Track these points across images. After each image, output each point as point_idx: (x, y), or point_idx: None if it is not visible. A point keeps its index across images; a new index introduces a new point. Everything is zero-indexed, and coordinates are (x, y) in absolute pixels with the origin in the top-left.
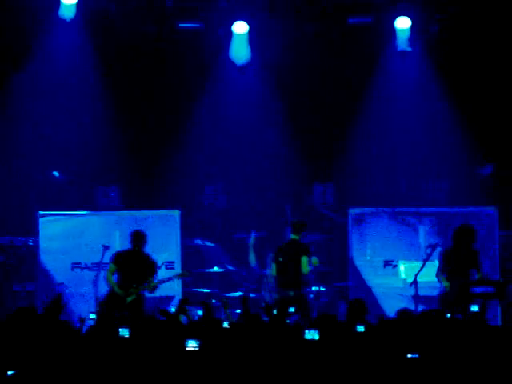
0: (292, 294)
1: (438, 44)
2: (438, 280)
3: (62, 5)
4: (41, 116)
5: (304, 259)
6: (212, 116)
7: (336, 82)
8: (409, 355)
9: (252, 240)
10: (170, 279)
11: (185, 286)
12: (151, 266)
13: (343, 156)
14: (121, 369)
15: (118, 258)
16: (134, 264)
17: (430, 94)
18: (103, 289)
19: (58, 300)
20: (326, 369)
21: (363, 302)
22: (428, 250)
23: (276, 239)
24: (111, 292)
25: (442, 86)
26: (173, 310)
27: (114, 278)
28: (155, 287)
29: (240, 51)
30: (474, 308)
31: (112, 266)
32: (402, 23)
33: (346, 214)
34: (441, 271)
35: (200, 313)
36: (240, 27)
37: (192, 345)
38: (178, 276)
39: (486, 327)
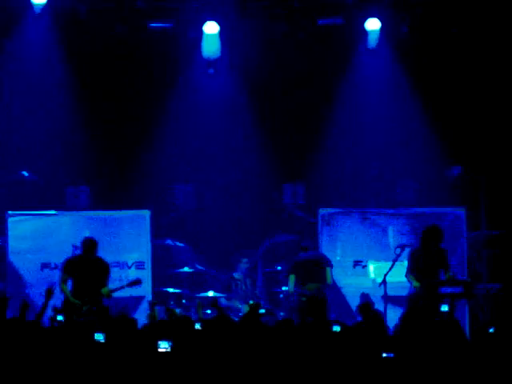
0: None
1: (407, 45)
2: (408, 280)
3: (32, 4)
4: (10, 115)
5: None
6: (182, 116)
7: (307, 82)
8: (384, 354)
9: (243, 265)
10: (122, 287)
11: (155, 287)
12: (104, 269)
13: (314, 156)
14: (95, 372)
15: (69, 265)
16: (86, 270)
17: (400, 95)
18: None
19: (23, 307)
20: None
21: (321, 300)
22: (397, 251)
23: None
24: (66, 301)
25: (411, 87)
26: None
27: (68, 287)
28: (109, 295)
29: (211, 51)
30: (445, 308)
31: (64, 275)
32: (372, 24)
33: (316, 214)
34: (410, 271)
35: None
36: (211, 27)
37: (164, 346)
38: (131, 284)
39: (456, 326)
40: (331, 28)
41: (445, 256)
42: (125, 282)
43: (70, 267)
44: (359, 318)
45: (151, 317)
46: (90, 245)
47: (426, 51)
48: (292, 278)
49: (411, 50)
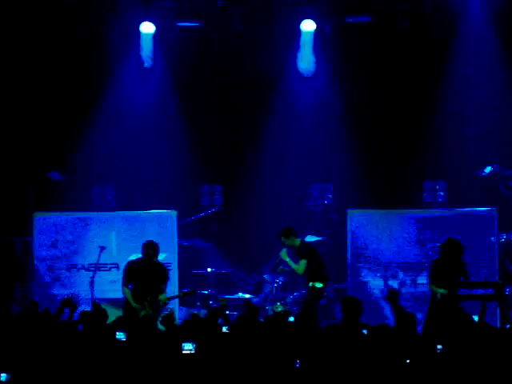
0: None
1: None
2: (432, 291)
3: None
4: (39, 113)
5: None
6: (214, 117)
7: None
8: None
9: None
10: (178, 297)
11: (181, 288)
12: (164, 275)
13: (341, 157)
14: (118, 371)
15: (130, 269)
16: (146, 274)
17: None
18: (99, 289)
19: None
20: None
21: (359, 301)
22: (428, 252)
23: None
24: (127, 304)
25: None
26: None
27: (129, 288)
28: (166, 303)
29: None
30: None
31: (125, 279)
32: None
33: (344, 215)
34: (432, 282)
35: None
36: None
37: (188, 348)
38: (187, 294)
39: (486, 328)
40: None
41: (465, 269)
42: (181, 292)
43: (132, 271)
44: (387, 321)
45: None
46: (151, 248)
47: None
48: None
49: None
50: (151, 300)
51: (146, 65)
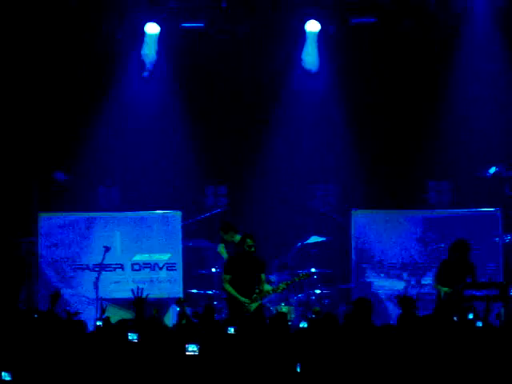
0: None
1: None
2: (436, 289)
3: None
4: (44, 113)
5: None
6: (216, 116)
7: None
8: None
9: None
10: (293, 282)
11: (186, 288)
12: (262, 267)
13: (346, 157)
14: (126, 372)
15: (229, 264)
16: (245, 268)
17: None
18: (104, 290)
19: (55, 296)
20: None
21: (368, 301)
22: (434, 253)
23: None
24: (232, 299)
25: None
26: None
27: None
28: (280, 291)
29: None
30: (470, 316)
31: (226, 277)
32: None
33: (348, 215)
34: (437, 280)
35: None
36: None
37: (192, 349)
38: (300, 277)
39: (490, 328)
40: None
41: (473, 269)
42: (295, 277)
43: (230, 266)
44: (391, 321)
45: (181, 316)
46: (251, 241)
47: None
48: None
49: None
50: (260, 291)
51: (147, 66)
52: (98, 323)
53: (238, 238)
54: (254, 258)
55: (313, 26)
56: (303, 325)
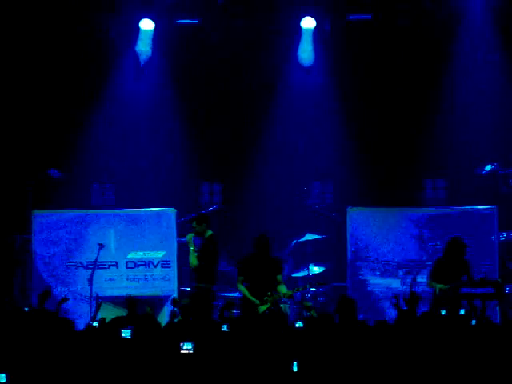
0: None
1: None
2: (430, 286)
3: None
4: (38, 111)
5: None
6: (208, 114)
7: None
8: None
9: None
10: (304, 290)
11: (180, 286)
12: (278, 268)
13: (342, 155)
14: (120, 369)
15: (243, 265)
16: (260, 269)
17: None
18: (97, 287)
19: (45, 294)
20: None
21: (352, 300)
22: (428, 251)
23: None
24: (245, 299)
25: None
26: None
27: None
28: (291, 296)
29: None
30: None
31: (239, 276)
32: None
33: (344, 213)
34: (431, 278)
35: None
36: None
37: (187, 347)
38: (316, 285)
39: (488, 325)
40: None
41: (468, 267)
42: (308, 283)
43: (244, 267)
44: (387, 318)
45: (173, 315)
46: (263, 242)
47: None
48: None
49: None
50: (272, 294)
51: (142, 63)
52: (95, 324)
53: (209, 233)
54: (270, 258)
55: (308, 23)
56: (299, 324)
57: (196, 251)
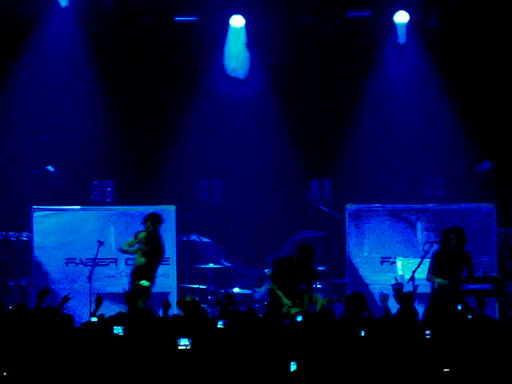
0: None
1: (436, 39)
2: (430, 280)
3: None
4: (36, 110)
5: None
6: (208, 111)
7: (334, 77)
8: None
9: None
10: (339, 301)
11: (180, 283)
12: (314, 276)
13: (341, 152)
14: (114, 366)
15: (281, 266)
16: (298, 277)
17: (428, 90)
18: (97, 284)
19: (44, 292)
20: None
21: (362, 296)
22: (426, 247)
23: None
24: (278, 301)
25: (440, 82)
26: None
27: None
28: (323, 305)
29: (237, 45)
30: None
31: (272, 276)
32: (401, 17)
33: (343, 210)
34: (431, 271)
35: None
36: (237, 21)
37: (184, 343)
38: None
39: (487, 322)
40: (359, 22)
41: (469, 258)
42: (342, 297)
43: (281, 268)
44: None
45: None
46: (308, 250)
47: (455, 44)
48: None
49: (440, 43)
50: (302, 301)
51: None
52: (93, 319)
53: (158, 234)
54: (309, 267)
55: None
56: (299, 318)
57: (142, 249)
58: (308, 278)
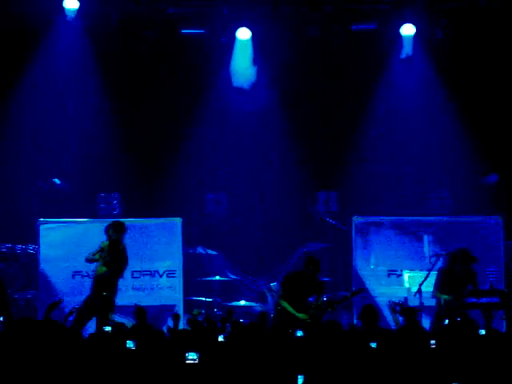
0: None
1: (442, 51)
2: (435, 297)
3: (65, 10)
4: (42, 123)
5: None
6: (214, 125)
7: (340, 90)
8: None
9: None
10: (346, 298)
11: (186, 296)
12: (321, 289)
13: (347, 164)
14: (125, 379)
15: (288, 281)
16: (304, 289)
17: (434, 103)
18: None
19: (54, 304)
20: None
21: (373, 308)
22: (432, 260)
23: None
24: (289, 315)
25: (446, 95)
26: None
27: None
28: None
29: (243, 58)
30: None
31: (281, 292)
32: (407, 30)
33: (349, 222)
34: (437, 289)
35: None
36: (243, 33)
37: (192, 357)
38: (353, 294)
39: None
40: (365, 34)
41: (475, 278)
42: (349, 293)
43: (288, 283)
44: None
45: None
46: (314, 263)
47: (460, 56)
48: None
49: (446, 56)
50: (316, 307)
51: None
52: (108, 329)
53: (121, 243)
54: (315, 280)
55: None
56: (299, 333)
57: (104, 259)
58: (316, 291)
